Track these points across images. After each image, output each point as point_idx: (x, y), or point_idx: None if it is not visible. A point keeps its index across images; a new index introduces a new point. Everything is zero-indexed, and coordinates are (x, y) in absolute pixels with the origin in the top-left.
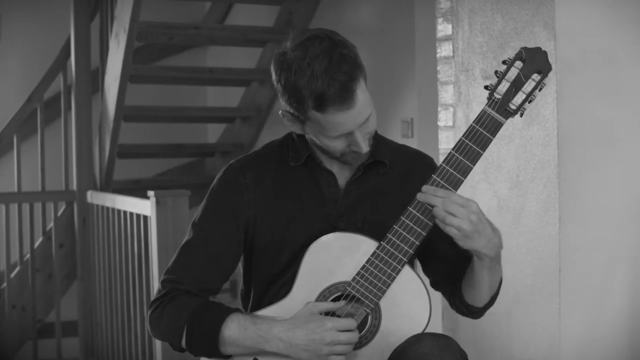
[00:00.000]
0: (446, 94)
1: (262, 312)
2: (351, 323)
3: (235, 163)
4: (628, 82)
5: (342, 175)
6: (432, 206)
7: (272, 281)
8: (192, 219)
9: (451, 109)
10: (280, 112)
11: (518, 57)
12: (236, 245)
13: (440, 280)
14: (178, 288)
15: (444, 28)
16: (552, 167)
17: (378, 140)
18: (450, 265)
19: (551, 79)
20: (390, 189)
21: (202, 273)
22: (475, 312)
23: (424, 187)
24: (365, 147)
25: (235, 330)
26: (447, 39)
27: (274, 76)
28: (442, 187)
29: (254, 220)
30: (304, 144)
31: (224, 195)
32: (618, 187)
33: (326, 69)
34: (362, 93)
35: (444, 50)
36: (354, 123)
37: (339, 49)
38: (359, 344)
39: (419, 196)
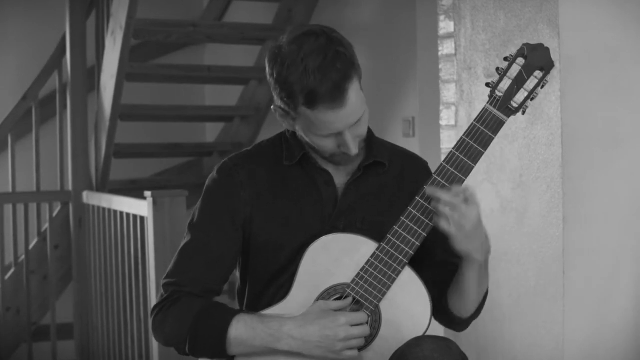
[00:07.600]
0: (448, 93)
1: (262, 313)
2: (363, 317)
3: (228, 161)
4: (633, 81)
5: (338, 175)
6: (438, 201)
7: (269, 281)
8: (189, 220)
9: (453, 108)
10: (272, 107)
11: (520, 53)
12: (235, 245)
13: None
14: (180, 290)
15: (446, 25)
16: (556, 166)
17: (373, 141)
18: (435, 271)
19: (555, 77)
20: (389, 189)
21: (203, 275)
22: (459, 324)
23: (433, 179)
24: (354, 150)
25: (243, 330)
26: (449, 36)
27: (267, 69)
28: (443, 187)
29: (250, 218)
30: (297, 143)
31: (220, 194)
32: (623, 187)
33: (319, 66)
34: (355, 93)
35: (446, 48)
36: (344, 123)
37: (334, 47)
38: (359, 347)
39: (428, 189)
